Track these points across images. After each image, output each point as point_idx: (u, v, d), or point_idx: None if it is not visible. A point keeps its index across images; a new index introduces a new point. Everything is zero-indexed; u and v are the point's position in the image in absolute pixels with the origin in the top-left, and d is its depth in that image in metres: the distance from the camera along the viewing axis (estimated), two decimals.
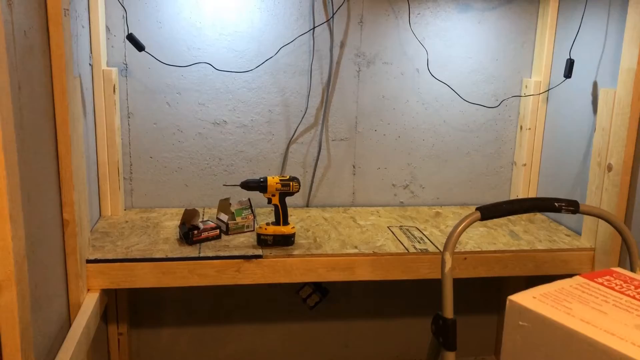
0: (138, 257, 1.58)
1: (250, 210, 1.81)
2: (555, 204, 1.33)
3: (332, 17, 1.98)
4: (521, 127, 2.16)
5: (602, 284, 1.00)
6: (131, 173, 1.99)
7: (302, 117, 2.04)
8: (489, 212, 1.31)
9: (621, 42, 1.66)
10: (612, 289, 0.98)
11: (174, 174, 2.02)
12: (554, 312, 0.89)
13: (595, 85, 1.81)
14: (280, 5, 1.95)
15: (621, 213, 1.68)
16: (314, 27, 1.97)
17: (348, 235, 1.81)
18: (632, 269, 1.33)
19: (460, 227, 1.28)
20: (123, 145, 1.95)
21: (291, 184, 1.67)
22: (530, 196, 2.16)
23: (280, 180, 1.66)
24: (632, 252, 1.34)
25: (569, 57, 1.90)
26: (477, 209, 1.32)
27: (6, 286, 1.00)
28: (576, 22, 1.89)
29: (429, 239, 1.80)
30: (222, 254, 1.61)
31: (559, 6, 2.01)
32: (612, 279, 1.02)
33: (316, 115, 2.06)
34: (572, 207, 1.34)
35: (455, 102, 2.13)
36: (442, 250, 1.31)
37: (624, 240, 1.38)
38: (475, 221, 1.31)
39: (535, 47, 2.11)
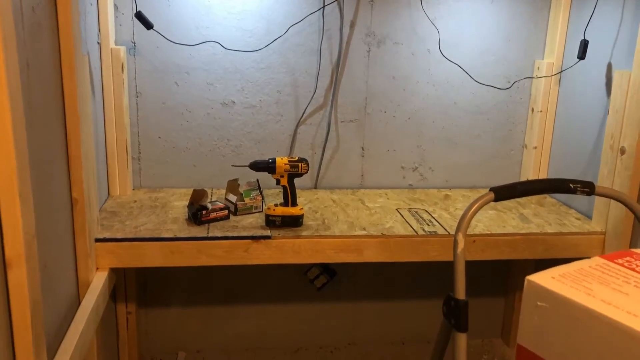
0: (147, 236, 1.58)
1: (258, 191, 1.80)
2: (571, 185, 1.31)
3: None
4: (532, 110, 2.13)
5: (622, 264, 0.99)
6: (139, 153, 1.99)
7: (311, 98, 2.02)
8: (503, 192, 1.30)
9: (637, 23, 1.62)
10: (633, 270, 0.96)
11: (182, 154, 2.01)
12: (574, 292, 0.88)
13: (609, 66, 1.78)
14: None
15: (634, 196, 1.66)
16: (323, 6, 1.94)
17: (356, 217, 1.80)
18: None
19: (473, 208, 1.26)
20: (131, 124, 1.94)
21: (300, 165, 1.66)
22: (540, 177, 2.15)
23: (289, 161, 1.65)
24: None
25: (583, 38, 1.86)
26: (491, 189, 1.31)
27: (16, 264, 1.00)
28: (591, 2, 1.85)
29: (437, 222, 1.79)
30: (230, 234, 1.61)
31: None
32: (632, 260, 1.01)
33: (325, 96, 2.04)
34: (588, 188, 1.32)
35: (466, 84, 2.10)
36: (453, 232, 1.30)
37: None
38: (489, 202, 1.29)
39: (548, 28, 2.08)
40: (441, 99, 2.11)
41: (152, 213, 1.76)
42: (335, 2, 1.95)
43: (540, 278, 0.93)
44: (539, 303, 0.90)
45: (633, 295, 0.87)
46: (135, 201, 1.87)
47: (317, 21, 1.97)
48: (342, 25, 1.99)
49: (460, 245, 1.25)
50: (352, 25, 2.00)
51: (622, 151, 1.67)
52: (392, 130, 2.11)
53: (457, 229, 1.27)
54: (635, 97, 1.62)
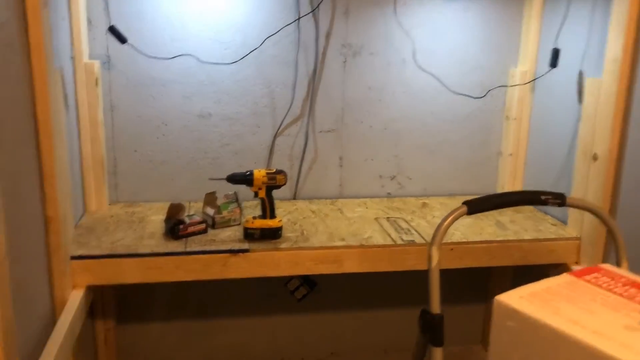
0: (123, 252, 1.57)
1: (236, 203, 1.79)
2: (542, 197, 1.33)
3: (318, 7, 1.96)
4: (507, 117, 2.16)
5: (589, 281, 1.00)
6: (116, 167, 1.97)
7: (288, 109, 2.03)
8: (475, 206, 1.31)
9: (607, 31, 1.66)
10: (600, 286, 0.98)
11: (159, 167, 2.00)
12: (541, 312, 0.89)
13: (581, 74, 1.81)
14: None
15: (607, 203, 1.68)
16: (299, 18, 1.95)
17: (335, 228, 1.80)
18: (618, 263, 1.33)
19: (446, 222, 1.28)
20: (107, 139, 1.92)
21: (277, 177, 1.65)
22: (517, 186, 2.17)
23: (267, 173, 1.65)
24: (618, 246, 1.35)
25: (554, 47, 1.90)
26: (463, 203, 1.32)
27: None
28: (562, 11, 1.89)
29: (416, 230, 1.80)
30: (208, 248, 1.60)
31: None
32: (599, 276, 1.02)
33: (302, 107, 2.05)
34: (559, 199, 1.34)
35: (441, 93, 2.12)
36: (429, 243, 1.31)
37: (611, 234, 1.39)
38: (461, 216, 1.31)
39: (521, 37, 2.11)
40: (417, 109, 2.13)
41: (129, 228, 1.74)
42: (311, 14, 1.96)
43: (509, 298, 0.94)
44: (508, 323, 0.92)
45: (599, 314, 0.88)
46: (112, 216, 1.84)
47: (292, 32, 1.97)
48: (318, 36, 1.99)
49: (435, 259, 1.26)
50: (328, 36, 2.01)
51: (595, 158, 1.70)
52: (369, 140, 2.12)
53: (431, 243, 1.27)
54: (606, 105, 1.65)
